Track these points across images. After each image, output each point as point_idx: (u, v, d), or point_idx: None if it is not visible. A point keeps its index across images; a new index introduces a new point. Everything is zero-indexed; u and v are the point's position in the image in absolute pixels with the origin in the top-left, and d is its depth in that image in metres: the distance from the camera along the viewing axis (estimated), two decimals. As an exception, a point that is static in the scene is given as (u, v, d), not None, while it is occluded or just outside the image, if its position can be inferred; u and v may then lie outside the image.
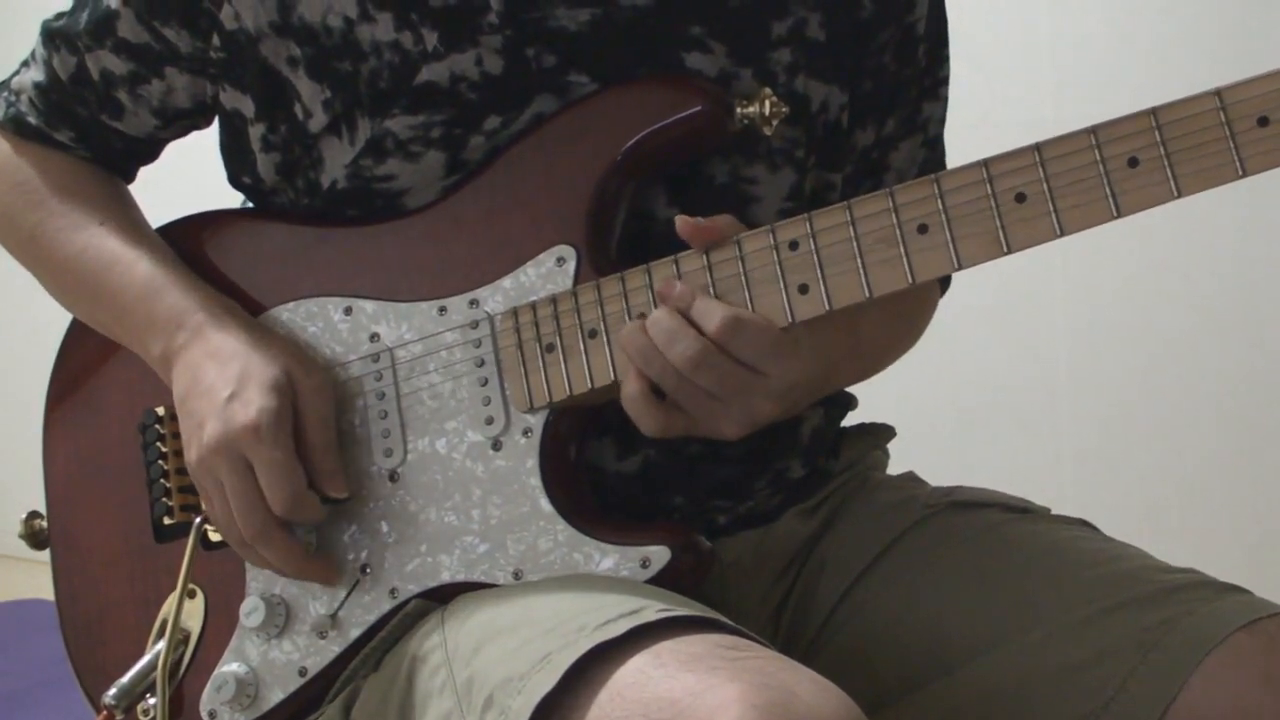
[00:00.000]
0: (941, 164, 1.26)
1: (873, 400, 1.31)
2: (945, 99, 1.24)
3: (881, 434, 1.30)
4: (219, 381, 1.09)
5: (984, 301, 2.25)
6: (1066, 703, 1.04)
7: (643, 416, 1.02)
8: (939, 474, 1.26)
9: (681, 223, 1.02)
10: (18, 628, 2.80)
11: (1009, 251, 0.96)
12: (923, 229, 0.98)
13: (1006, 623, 1.08)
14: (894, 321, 1.24)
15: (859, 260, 0.99)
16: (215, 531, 1.15)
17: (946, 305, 1.33)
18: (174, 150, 1.29)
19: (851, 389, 1.27)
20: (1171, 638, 1.02)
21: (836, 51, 1.13)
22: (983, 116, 1.92)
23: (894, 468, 1.29)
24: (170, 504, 1.18)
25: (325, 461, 1.09)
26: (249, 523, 1.07)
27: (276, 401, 1.07)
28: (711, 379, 0.99)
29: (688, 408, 1.01)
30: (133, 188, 1.29)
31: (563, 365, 1.06)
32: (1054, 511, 1.21)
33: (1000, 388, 2.42)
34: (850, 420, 1.28)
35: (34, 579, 1.38)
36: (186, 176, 1.62)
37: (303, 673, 1.11)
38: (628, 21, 1.08)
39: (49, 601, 1.26)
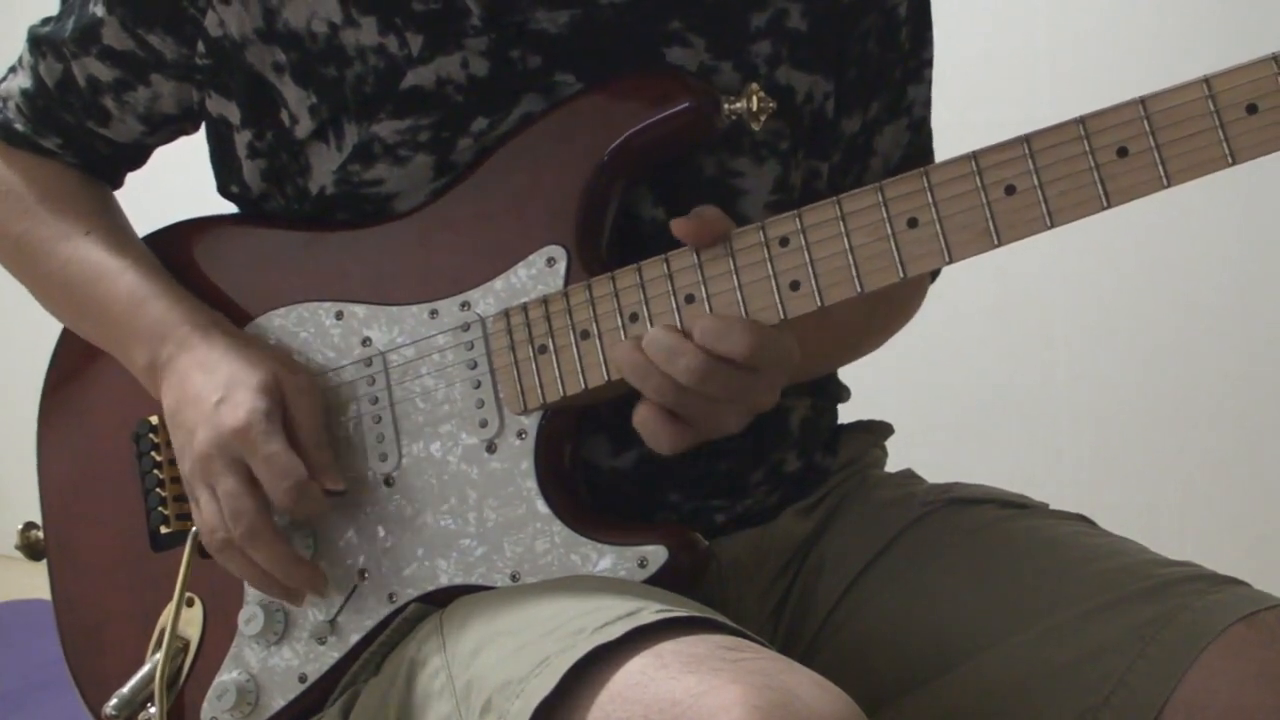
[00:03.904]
0: (928, 148, 1.25)
1: (871, 397, 1.30)
2: (929, 81, 1.23)
3: (880, 431, 1.30)
4: (206, 389, 1.09)
5: (984, 300, 2.25)
6: (1066, 698, 1.03)
7: (658, 435, 1.01)
8: (938, 472, 1.25)
9: (677, 225, 1.01)
10: (18, 628, 2.79)
11: (1000, 244, 0.96)
12: (913, 223, 0.97)
13: (1005, 619, 1.08)
14: (871, 304, 1.23)
15: (850, 256, 0.98)
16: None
17: (946, 303, 1.32)
18: (165, 155, 1.28)
19: (850, 385, 1.27)
20: (1170, 631, 1.02)
21: (819, 41, 1.12)
22: (980, 114, 1.92)
23: (892, 465, 1.29)
24: (166, 513, 1.18)
25: (318, 456, 1.08)
26: (239, 522, 1.06)
27: (265, 402, 1.07)
28: (717, 386, 0.99)
29: (691, 417, 1.01)
30: (124, 193, 1.29)
31: (555, 366, 1.05)
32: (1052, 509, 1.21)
33: (1000, 386, 2.42)
34: (848, 417, 1.28)
35: (34, 579, 1.37)
36: (177, 182, 1.62)
37: (303, 679, 1.11)
38: (607, 20, 1.08)
39: (48, 601, 1.26)
